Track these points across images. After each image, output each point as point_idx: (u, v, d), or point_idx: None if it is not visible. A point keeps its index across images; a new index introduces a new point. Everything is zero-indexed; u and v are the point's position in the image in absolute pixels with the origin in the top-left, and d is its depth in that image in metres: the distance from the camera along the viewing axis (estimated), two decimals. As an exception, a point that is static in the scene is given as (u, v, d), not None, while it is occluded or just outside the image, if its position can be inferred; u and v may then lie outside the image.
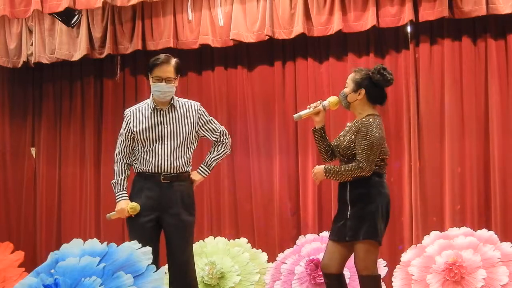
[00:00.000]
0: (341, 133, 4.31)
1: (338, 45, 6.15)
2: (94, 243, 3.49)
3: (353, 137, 4.13)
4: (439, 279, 5.19)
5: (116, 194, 4.36)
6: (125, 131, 4.39)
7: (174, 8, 6.30)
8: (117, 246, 3.45)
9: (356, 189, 4.10)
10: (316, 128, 4.28)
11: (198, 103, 4.43)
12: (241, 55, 6.47)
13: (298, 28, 5.88)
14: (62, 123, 7.05)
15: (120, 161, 4.44)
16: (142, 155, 4.32)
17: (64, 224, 6.93)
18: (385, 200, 4.13)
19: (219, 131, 4.43)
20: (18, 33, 6.78)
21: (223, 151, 4.46)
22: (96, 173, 6.87)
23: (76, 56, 6.56)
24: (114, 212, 4.37)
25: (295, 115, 4.31)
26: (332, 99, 4.28)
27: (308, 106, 4.29)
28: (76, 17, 6.35)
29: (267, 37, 6.01)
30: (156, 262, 3.94)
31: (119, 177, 4.40)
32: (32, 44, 6.72)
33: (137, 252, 3.38)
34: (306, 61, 6.25)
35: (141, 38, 6.38)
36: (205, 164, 4.43)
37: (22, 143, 7.19)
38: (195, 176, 4.38)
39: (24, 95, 7.21)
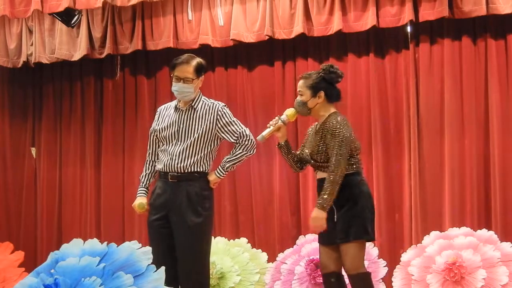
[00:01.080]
0: (307, 139, 4.35)
1: (338, 45, 6.15)
2: (94, 243, 3.49)
3: (322, 140, 4.16)
4: (439, 279, 5.19)
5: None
6: (151, 128, 4.43)
7: (174, 8, 6.30)
8: (117, 246, 3.45)
9: (340, 193, 4.09)
10: (282, 143, 4.34)
11: (222, 104, 4.34)
12: (241, 55, 6.47)
13: (298, 28, 5.88)
14: (62, 123, 7.05)
15: (147, 158, 4.49)
16: (159, 154, 4.36)
17: (64, 224, 6.94)
18: (368, 197, 4.18)
19: (238, 132, 4.31)
20: (18, 33, 6.78)
21: (240, 153, 4.33)
22: (97, 173, 6.87)
23: (76, 56, 6.57)
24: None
25: (258, 137, 4.29)
26: (289, 111, 4.31)
27: (268, 125, 4.31)
28: (76, 17, 6.35)
29: (267, 37, 6.01)
30: (164, 261, 3.92)
31: (142, 174, 4.49)
32: (32, 44, 6.72)
33: (137, 252, 3.38)
34: (306, 61, 6.26)
35: (141, 38, 6.38)
36: (220, 165, 4.37)
37: (22, 143, 7.19)
38: (211, 176, 4.31)
39: (24, 95, 7.21)
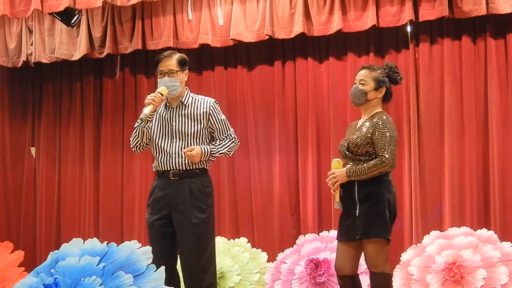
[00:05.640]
0: (349, 132, 4.36)
1: (338, 45, 6.15)
2: (94, 243, 3.49)
3: (366, 134, 4.14)
4: (439, 279, 5.19)
5: (138, 123, 4.32)
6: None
7: (174, 7, 6.30)
8: (116, 246, 3.45)
9: (365, 188, 4.12)
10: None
11: (213, 100, 4.41)
12: (241, 55, 6.46)
13: (298, 27, 5.88)
14: (61, 122, 7.05)
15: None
16: (155, 154, 4.36)
17: (63, 224, 6.93)
18: (393, 198, 4.20)
19: (228, 133, 4.38)
20: (18, 33, 6.77)
21: (230, 142, 4.37)
22: (96, 173, 6.87)
23: (76, 56, 6.56)
24: (148, 107, 4.20)
25: (336, 206, 4.27)
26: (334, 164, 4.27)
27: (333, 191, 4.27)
28: (76, 16, 6.35)
29: (267, 37, 6.01)
30: (165, 261, 3.92)
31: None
32: (32, 44, 6.72)
33: (137, 252, 3.38)
34: (306, 60, 6.25)
35: (141, 38, 6.38)
36: (210, 147, 4.31)
37: (22, 143, 7.19)
38: (196, 149, 4.21)
39: (24, 95, 7.21)
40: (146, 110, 4.18)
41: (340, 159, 4.30)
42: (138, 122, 4.29)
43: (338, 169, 4.21)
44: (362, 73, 4.27)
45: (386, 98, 4.30)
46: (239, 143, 4.49)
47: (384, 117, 4.17)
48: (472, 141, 5.73)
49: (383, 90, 4.24)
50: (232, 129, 4.45)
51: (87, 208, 6.84)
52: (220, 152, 4.34)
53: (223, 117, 4.40)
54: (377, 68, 4.32)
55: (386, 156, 4.06)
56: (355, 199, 4.13)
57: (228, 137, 4.38)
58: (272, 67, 6.37)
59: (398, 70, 4.31)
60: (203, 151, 4.24)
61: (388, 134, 4.10)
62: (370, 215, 4.09)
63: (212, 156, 4.31)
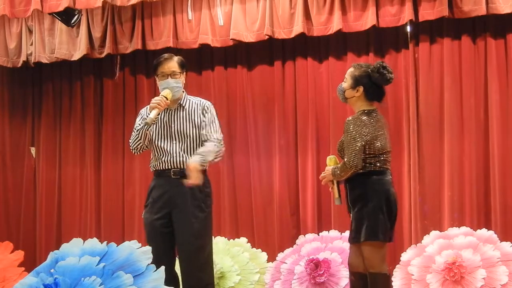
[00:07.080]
0: None
1: (338, 45, 6.15)
2: (94, 243, 3.50)
3: (343, 136, 4.23)
4: (439, 279, 5.19)
5: (139, 123, 4.33)
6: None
7: (174, 7, 6.30)
8: (117, 246, 3.45)
9: (354, 190, 4.17)
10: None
11: (209, 102, 4.44)
12: (240, 54, 6.47)
13: (298, 27, 5.88)
14: (62, 122, 7.05)
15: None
16: (155, 154, 4.36)
17: (64, 224, 6.94)
18: (383, 197, 4.14)
19: (212, 135, 4.32)
20: (18, 33, 6.78)
21: (213, 146, 4.28)
22: (96, 173, 6.87)
23: (76, 56, 6.57)
24: (154, 111, 4.20)
25: (336, 202, 4.32)
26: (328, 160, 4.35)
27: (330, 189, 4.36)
28: (76, 16, 6.35)
29: (267, 37, 6.01)
30: (163, 261, 3.92)
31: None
32: (32, 44, 6.72)
33: (137, 252, 3.39)
34: (306, 60, 6.25)
35: (141, 38, 6.38)
36: (201, 154, 4.25)
37: (22, 143, 7.19)
38: (191, 164, 4.14)
39: (24, 95, 7.21)
40: (152, 114, 4.19)
41: (336, 156, 4.34)
42: (140, 125, 4.29)
43: (329, 166, 4.26)
44: (347, 71, 4.29)
45: (372, 97, 4.21)
46: (223, 149, 4.41)
47: (361, 117, 4.14)
48: (472, 141, 5.73)
49: (360, 89, 4.17)
50: (221, 134, 4.39)
51: (88, 208, 6.84)
52: (209, 160, 4.25)
53: (216, 119, 4.39)
54: (364, 66, 4.26)
55: (345, 159, 4.08)
56: (349, 202, 4.21)
57: (212, 139, 4.30)
58: (272, 67, 6.37)
59: (383, 71, 4.15)
60: (197, 166, 4.14)
61: (348, 134, 4.09)
62: (358, 219, 4.13)
63: (201, 165, 4.21)
